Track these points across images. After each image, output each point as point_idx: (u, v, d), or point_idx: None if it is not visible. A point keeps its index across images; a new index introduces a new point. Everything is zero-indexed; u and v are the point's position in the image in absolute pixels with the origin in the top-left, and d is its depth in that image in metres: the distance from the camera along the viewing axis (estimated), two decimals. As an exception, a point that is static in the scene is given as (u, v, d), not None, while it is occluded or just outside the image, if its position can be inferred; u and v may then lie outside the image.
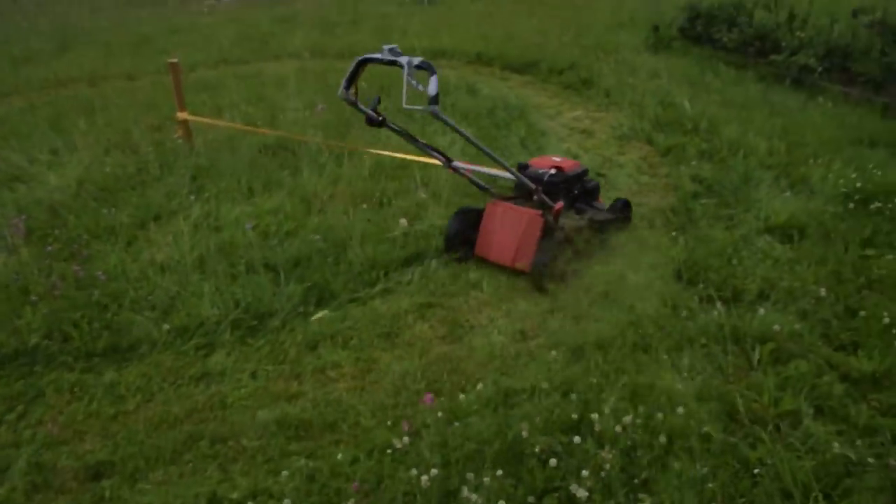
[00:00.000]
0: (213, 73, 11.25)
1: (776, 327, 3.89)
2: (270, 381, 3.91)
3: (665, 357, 3.78)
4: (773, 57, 9.49)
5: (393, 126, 4.45)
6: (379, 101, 4.39)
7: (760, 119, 7.49)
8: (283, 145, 7.15)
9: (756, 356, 3.75)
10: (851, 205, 5.41)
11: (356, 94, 4.43)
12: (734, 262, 4.71)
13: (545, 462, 3.07)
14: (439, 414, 3.39)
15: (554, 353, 3.90)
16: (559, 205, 4.87)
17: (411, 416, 3.51)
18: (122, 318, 4.40)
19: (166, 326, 4.30)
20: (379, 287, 4.67)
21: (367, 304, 4.51)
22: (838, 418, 3.33)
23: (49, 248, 5.28)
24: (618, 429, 3.19)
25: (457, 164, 4.90)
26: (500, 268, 4.88)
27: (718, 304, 4.21)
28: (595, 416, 3.28)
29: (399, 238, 5.04)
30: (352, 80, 4.38)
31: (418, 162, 6.08)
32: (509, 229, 4.88)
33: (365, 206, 5.56)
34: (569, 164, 5.25)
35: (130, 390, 3.90)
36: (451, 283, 4.73)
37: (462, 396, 3.53)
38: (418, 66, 4.15)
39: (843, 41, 8.89)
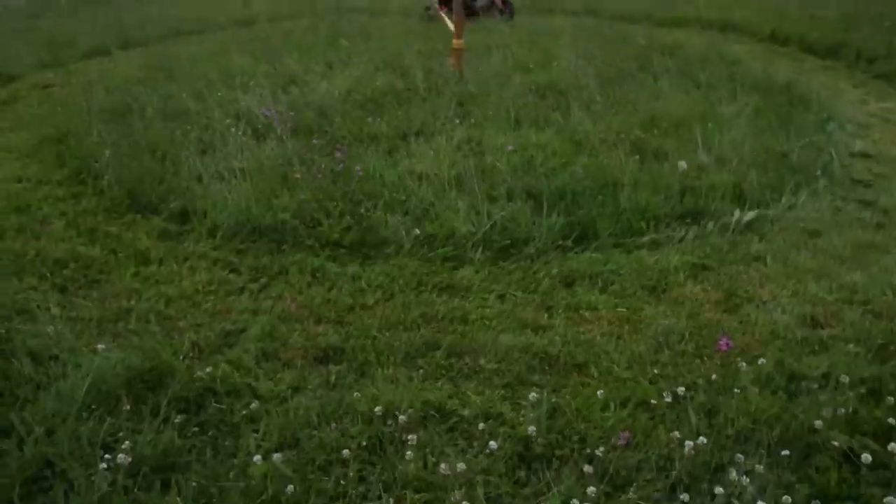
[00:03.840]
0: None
1: None
2: (518, 308, 3.57)
3: None
4: None
5: None
6: None
7: None
8: (554, 87, 6.80)
9: None
10: None
11: None
12: None
13: (840, 464, 2.49)
14: (713, 377, 2.88)
15: (852, 346, 3.23)
16: None
17: (674, 375, 3.02)
18: (373, 217, 4.27)
19: (417, 232, 4.11)
20: (648, 237, 4.19)
21: (633, 253, 4.05)
22: None
23: (315, 141, 5.34)
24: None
25: None
26: (789, 244, 4.20)
27: None
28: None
29: (675, 193, 4.50)
30: None
31: (701, 120, 5.59)
32: None
33: (637, 156, 5.05)
34: None
35: (371, 286, 3.74)
36: (730, 249, 4.13)
37: (743, 365, 2.98)
38: None
39: None
